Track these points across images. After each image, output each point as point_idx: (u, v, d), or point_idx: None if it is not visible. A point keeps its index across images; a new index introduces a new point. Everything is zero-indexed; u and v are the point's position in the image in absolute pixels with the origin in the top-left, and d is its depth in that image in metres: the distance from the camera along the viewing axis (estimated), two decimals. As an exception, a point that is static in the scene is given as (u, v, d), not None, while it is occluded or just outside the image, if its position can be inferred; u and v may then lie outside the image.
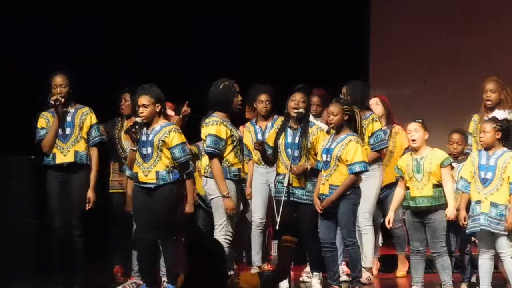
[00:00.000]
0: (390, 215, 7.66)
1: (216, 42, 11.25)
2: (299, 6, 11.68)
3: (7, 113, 9.61)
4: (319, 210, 7.42)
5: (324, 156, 7.42)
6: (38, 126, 7.78)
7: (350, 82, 8.26)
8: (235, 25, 11.39)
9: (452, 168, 7.54)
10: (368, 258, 8.12)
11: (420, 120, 7.59)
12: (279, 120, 8.16)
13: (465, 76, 10.29)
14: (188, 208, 7.53)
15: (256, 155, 8.04)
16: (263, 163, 8.01)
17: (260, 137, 8.19)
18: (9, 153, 8.73)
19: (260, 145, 7.51)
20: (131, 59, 10.64)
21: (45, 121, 7.79)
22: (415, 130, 7.50)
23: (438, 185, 7.45)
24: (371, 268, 8.35)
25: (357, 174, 7.38)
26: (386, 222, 7.84)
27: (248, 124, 8.25)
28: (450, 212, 7.32)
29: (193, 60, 10.88)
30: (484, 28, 11.33)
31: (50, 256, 7.86)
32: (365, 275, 8.07)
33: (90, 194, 7.71)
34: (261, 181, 8.12)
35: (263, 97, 8.14)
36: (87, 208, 7.71)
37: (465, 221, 7.31)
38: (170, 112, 8.24)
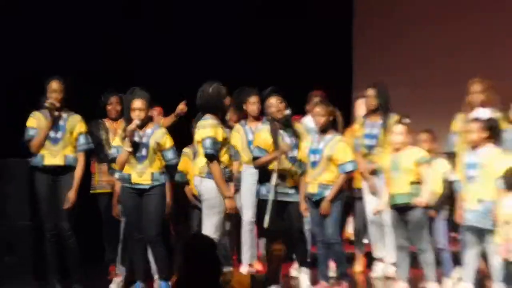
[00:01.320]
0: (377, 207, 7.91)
1: (197, 48, 11.38)
2: (282, 11, 11.83)
3: (4, 116, 9.70)
4: (303, 211, 7.65)
5: (312, 156, 7.56)
6: (28, 125, 7.87)
7: (375, 84, 8.51)
8: (214, 29, 11.37)
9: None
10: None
11: (406, 121, 7.78)
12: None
13: (448, 76, 10.45)
14: (168, 209, 7.74)
15: (247, 156, 8.15)
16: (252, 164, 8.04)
17: (250, 137, 8.30)
18: (5, 156, 8.80)
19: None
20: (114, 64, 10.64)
21: (36, 120, 7.89)
22: (400, 132, 7.67)
23: (417, 183, 7.57)
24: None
25: (349, 173, 7.58)
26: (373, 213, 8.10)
27: (237, 126, 8.35)
28: (420, 200, 7.50)
29: (178, 65, 11.11)
30: (462, 30, 11.43)
31: (45, 257, 8.02)
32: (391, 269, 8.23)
33: (72, 194, 7.76)
34: (251, 182, 8.18)
35: (253, 98, 8.27)
36: (65, 207, 7.77)
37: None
38: (157, 115, 8.58)
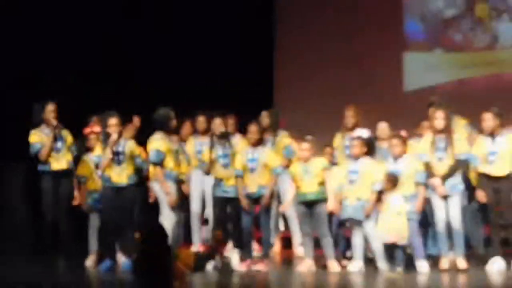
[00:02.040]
0: (285, 203, 8.88)
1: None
2: (206, 34, 12.19)
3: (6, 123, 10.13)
4: (245, 205, 8.54)
5: (250, 163, 8.52)
6: (33, 141, 8.71)
7: (269, 109, 9.51)
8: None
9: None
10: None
11: (310, 138, 8.64)
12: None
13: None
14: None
15: (195, 162, 9.20)
16: (200, 167, 9.22)
17: (199, 147, 9.38)
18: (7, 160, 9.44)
19: None
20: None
21: (38, 137, 8.71)
22: (306, 149, 8.56)
23: (322, 184, 8.46)
24: None
25: (277, 175, 8.59)
26: (282, 208, 9.07)
27: (190, 138, 9.39)
28: (330, 204, 8.40)
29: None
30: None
31: (44, 239, 8.86)
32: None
33: (77, 193, 8.72)
34: (198, 181, 9.34)
35: (201, 118, 9.39)
36: (74, 203, 8.68)
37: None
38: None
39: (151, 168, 8.46)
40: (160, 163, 8.34)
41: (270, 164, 8.52)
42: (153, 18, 12.01)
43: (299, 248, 8.96)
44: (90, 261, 8.92)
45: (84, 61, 11.12)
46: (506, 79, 11.98)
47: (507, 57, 12.06)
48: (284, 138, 9.33)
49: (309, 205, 8.47)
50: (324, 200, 8.43)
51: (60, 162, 8.82)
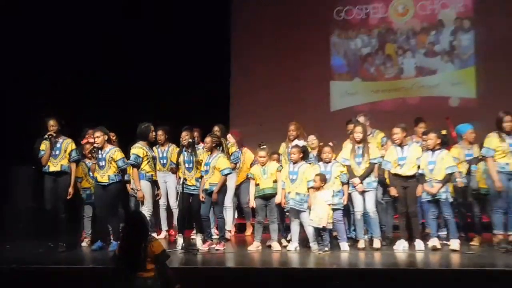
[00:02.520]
0: (251, 199, 8.93)
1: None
2: (165, 53, 11.85)
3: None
4: (202, 198, 8.67)
5: (205, 167, 8.86)
6: (40, 148, 8.95)
7: (219, 125, 9.58)
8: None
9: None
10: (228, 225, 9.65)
11: (264, 146, 8.94)
12: (172, 146, 9.60)
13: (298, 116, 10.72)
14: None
15: (158, 165, 9.37)
16: (164, 170, 9.52)
17: (162, 155, 9.54)
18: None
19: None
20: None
21: (44, 145, 8.95)
22: (263, 155, 8.87)
23: (275, 182, 8.78)
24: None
25: (227, 175, 8.80)
26: (250, 204, 9.08)
27: (154, 148, 9.52)
28: (278, 198, 8.72)
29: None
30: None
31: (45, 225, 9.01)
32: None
33: (71, 189, 8.93)
34: (163, 180, 9.62)
35: (160, 131, 9.57)
36: (68, 197, 8.86)
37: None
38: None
39: (129, 169, 8.85)
40: (137, 166, 8.77)
41: (219, 167, 8.77)
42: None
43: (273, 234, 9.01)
44: (84, 243, 9.29)
45: (83, 61, 10.97)
46: (408, 102, 12.66)
47: (410, 85, 12.64)
48: (231, 147, 9.69)
49: (266, 199, 8.88)
50: (275, 194, 8.84)
51: (56, 165, 8.88)
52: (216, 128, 9.57)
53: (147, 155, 8.76)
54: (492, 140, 8.13)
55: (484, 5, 12.16)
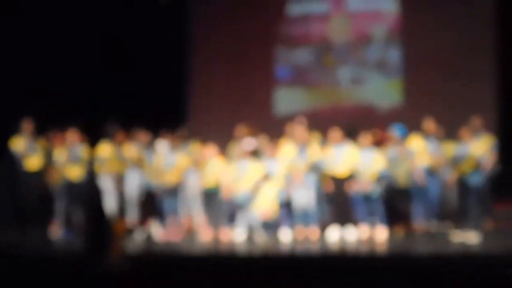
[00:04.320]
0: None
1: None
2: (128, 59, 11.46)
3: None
4: (159, 194, 9.04)
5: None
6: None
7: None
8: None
9: None
10: None
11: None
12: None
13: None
14: None
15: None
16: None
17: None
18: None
19: None
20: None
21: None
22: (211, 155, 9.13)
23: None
24: None
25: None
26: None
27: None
28: (224, 194, 8.87)
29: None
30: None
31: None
32: None
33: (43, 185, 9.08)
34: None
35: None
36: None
37: None
38: None
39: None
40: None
41: (179, 165, 8.96)
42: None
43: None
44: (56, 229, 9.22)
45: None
46: (344, 108, 12.59)
47: (345, 93, 12.79)
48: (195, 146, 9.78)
49: (211, 195, 9.03)
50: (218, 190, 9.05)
51: (31, 163, 9.04)
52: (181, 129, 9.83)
53: (114, 153, 8.83)
54: (416, 142, 8.59)
55: (412, 22, 12.49)
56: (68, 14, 10.93)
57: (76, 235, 8.72)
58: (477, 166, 8.14)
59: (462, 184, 8.26)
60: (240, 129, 9.75)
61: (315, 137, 9.56)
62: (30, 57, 10.89)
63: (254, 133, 9.71)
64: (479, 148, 8.28)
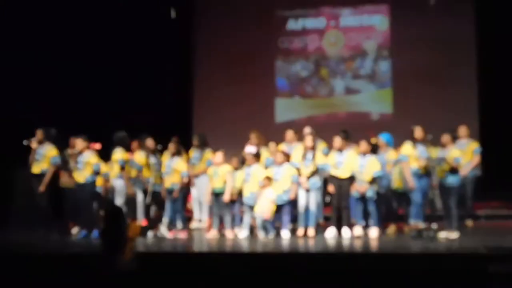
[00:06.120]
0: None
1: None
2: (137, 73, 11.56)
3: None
4: (163, 196, 8.80)
5: (166, 168, 8.78)
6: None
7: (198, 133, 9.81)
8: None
9: None
10: None
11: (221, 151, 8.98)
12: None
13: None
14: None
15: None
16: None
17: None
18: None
19: None
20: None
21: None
22: (219, 161, 8.92)
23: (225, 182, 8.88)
24: None
25: (184, 176, 8.91)
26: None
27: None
28: (225, 196, 8.72)
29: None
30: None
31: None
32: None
33: (42, 188, 8.81)
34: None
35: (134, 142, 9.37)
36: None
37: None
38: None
39: (116, 168, 8.61)
40: (123, 167, 8.68)
41: (178, 169, 8.76)
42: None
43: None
44: (74, 231, 9.12)
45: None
46: (338, 116, 12.74)
47: (340, 103, 12.85)
48: (208, 154, 9.54)
49: (216, 195, 8.92)
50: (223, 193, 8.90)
51: (36, 168, 8.85)
52: (196, 136, 9.66)
53: (128, 160, 8.65)
54: (407, 148, 8.46)
55: (400, 38, 12.51)
56: (79, 27, 10.81)
57: (89, 235, 8.62)
58: (454, 169, 8.02)
59: (441, 186, 8.16)
60: (253, 135, 9.57)
61: (319, 145, 9.39)
62: (49, 68, 10.77)
63: (264, 140, 9.60)
64: (457, 152, 8.16)
